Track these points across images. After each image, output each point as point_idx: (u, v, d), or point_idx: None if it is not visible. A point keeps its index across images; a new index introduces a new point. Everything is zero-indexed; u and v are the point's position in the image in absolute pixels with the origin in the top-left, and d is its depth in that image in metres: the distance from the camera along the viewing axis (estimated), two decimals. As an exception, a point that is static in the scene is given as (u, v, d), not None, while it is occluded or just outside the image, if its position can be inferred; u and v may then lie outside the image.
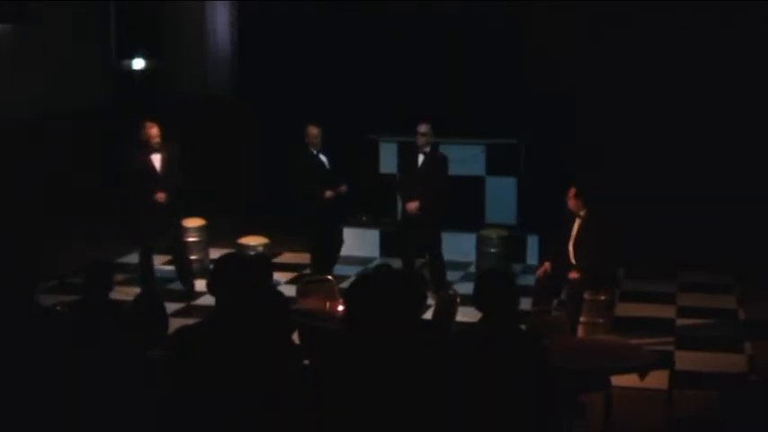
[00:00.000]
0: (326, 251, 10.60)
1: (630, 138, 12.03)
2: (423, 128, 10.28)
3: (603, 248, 8.83)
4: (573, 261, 8.94)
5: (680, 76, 11.92)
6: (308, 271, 10.67)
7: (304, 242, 10.91)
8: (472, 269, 11.41)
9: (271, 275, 6.72)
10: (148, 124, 10.15)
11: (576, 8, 12.04)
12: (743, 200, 11.70)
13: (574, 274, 8.80)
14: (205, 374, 4.45)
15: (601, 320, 9.01)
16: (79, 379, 5.19)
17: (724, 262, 11.29)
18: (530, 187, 12.24)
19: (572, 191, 8.96)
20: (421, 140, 10.32)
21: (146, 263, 10.37)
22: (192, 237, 11.25)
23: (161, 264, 11.12)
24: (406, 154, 10.78)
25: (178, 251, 10.58)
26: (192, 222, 11.36)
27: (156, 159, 10.15)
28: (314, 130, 10.34)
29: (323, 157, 10.41)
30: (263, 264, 6.93)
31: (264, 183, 13.40)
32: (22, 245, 10.30)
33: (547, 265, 9.05)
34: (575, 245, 8.96)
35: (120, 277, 10.36)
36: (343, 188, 10.44)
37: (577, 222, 8.97)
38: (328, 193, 10.31)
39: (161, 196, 10.07)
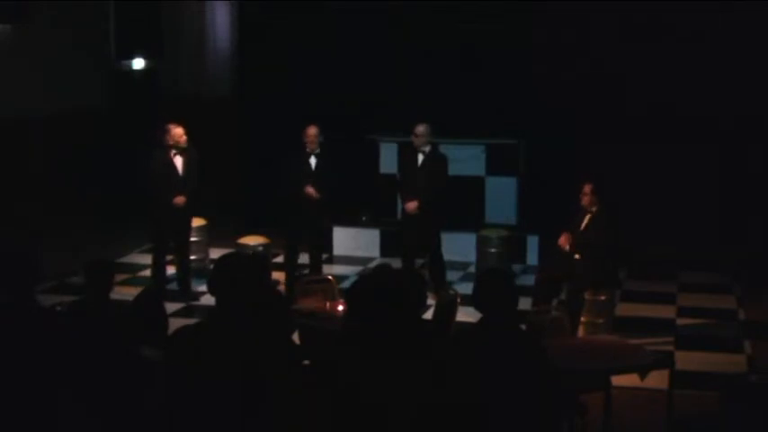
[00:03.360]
0: (294, 252, 10.46)
1: (630, 138, 12.03)
2: (419, 129, 10.28)
3: (608, 250, 8.84)
4: (576, 257, 8.94)
5: (680, 77, 11.91)
6: (306, 271, 10.64)
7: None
8: (472, 269, 11.41)
9: (269, 275, 6.73)
10: (173, 126, 10.17)
11: (577, 9, 12.03)
12: (743, 200, 11.70)
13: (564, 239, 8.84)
14: (205, 375, 4.45)
15: (601, 320, 9.01)
16: (79, 379, 5.19)
17: (724, 262, 11.29)
18: (530, 187, 12.24)
19: (588, 187, 8.94)
20: (417, 141, 10.31)
21: (160, 262, 10.37)
22: (192, 237, 11.23)
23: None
24: (406, 154, 10.77)
25: (183, 254, 10.55)
26: (193, 222, 11.35)
27: (179, 161, 10.18)
28: (310, 131, 10.26)
29: (313, 160, 10.30)
30: (261, 263, 6.94)
31: (264, 183, 13.40)
32: (22, 245, 10.31)
33: (567, 235, 9.01)
34: (578, 241, 8.95)
35: (120, 277, 10.35)
36: (311, 190, 10.15)
37: (587, 217, 8.98)
38: (309, 190, 10.18)
39: (180, 200, 10.12)
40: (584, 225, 8.99)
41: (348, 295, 5.11)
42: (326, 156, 10.36)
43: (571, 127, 12.12)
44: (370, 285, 5.07)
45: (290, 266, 10.44)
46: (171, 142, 10.15)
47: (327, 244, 12.19)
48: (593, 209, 8.97)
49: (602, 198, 8.96)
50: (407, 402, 4.54)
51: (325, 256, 11.71)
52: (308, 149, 10.30)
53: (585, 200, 8.96)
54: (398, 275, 6.24)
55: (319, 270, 10.50)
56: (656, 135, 12.03)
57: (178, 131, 10.14)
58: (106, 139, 13.26)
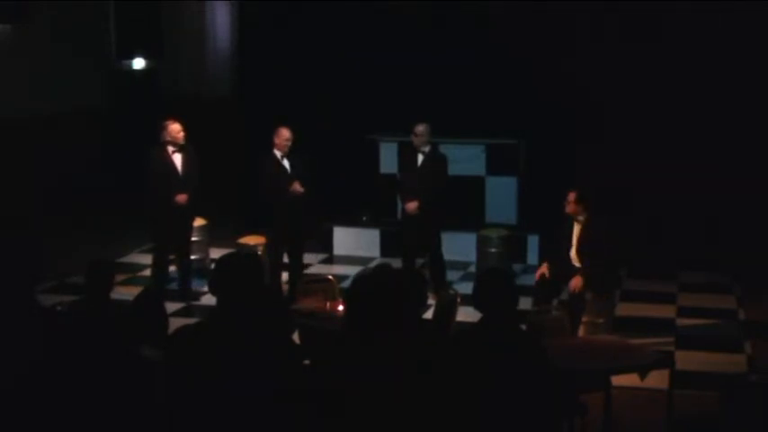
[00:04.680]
0: (275, 252, 10.32)
1: (630, 138, 12.03)
2: (419, 129, 10.27)
3: (610, 252, 8.81)
4: (576, 265, 8.89)
5: (680, 78, 11.91)
6: (308, 270, 10.59)
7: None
8: (472, 269, 11.41)
9: (264, 275, 6.71)
10: (170, 122, 10.01)
11: (577, 9, 12.04)
12: (743, 200, 11.70)
13: (577, 282, 8.70)
14: (205, 375, 4.45)
15: (601, 320, 8.99)
16: (79, 379, 5.19)
17: (724, 262, 11.29)
18: (530, 187, 12.24)
19: (572, 195, 8.84)
20: (417, 141, 10.31)
21: (161, 263, 10.29)
22: (193, 237, 11.23)
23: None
24: (406, 154, 10.77)
25: (184, 254, 10.50)
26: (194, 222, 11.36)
27: (178, 159, 10.05)
28: (285, 133, 10.00)
29: (286, 163, 10.07)
30: (258, 263, 6.92)
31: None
32: (22, 245, 10.31)
33: (544, 267, 8.98)
34: (578, 250, 8.91)
35: (120, 277, 10.35)
36: (297, 187, 9.91)
37: (577, 227, 8.91)
38: (295, 188, 9.92)
39: (182, 198, 10.00)
40: (576, 236, 8.91)
41: (348, 295, 5.11)
42: (299, 156, 10.14)
43: (571, 127, 12.12)
44: (370, 285, 5.07)
45: (272, 266, 10.36)
46: (168, 138, 9.98)
47: (327, 244, 12.21)
48: (580, 218, 8.88)
49: (588, 206, 8.86)
50: (407, 402, 4.54)
51: (325, 255, 11.71)
52: (279, 153, 10.02)
53: (570, 208, 8.84)
54: (398, 275, 6.24)
55: (301, 269, 10.33)
56: (655, 135, 12.03)
57: (175, 127, 9.98)
58: (106, 139, 13.27)
